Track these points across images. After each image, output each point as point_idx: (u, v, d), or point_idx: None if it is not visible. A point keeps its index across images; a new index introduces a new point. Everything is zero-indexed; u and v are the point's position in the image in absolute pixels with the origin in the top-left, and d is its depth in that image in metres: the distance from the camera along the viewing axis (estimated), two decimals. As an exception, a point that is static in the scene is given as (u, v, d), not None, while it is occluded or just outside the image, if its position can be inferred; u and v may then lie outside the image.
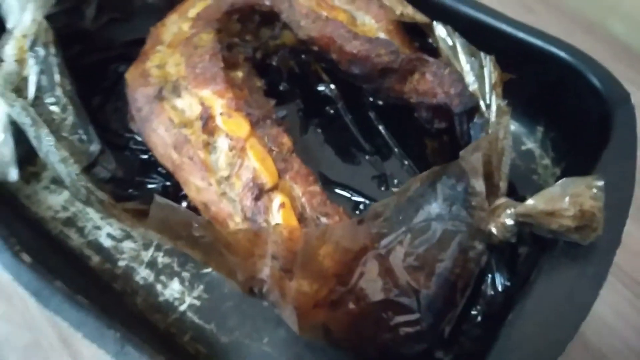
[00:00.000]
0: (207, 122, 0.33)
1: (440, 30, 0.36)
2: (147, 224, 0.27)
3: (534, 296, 0.26)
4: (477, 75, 0.34)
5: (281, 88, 0.44)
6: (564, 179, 0.27)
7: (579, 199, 0.25)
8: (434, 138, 0.41)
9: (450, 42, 0.36)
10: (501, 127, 0.29)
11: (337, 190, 0.39)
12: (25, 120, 0.31)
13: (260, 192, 0.31)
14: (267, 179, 0.31)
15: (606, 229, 0.26)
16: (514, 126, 0.42)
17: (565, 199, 0.25)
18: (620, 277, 0.38)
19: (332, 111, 0.43)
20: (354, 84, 0.42)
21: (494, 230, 0.28)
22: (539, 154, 0.41)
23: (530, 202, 0.28)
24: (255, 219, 0.30)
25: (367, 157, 0.40)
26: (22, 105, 0.31)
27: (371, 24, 0.40)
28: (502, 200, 0.29)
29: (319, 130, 0.42)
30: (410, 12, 0.37)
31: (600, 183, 0.26)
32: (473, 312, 0.31)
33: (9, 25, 0.34)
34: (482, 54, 0.35)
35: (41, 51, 0.36)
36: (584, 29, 0.53)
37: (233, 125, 0.32)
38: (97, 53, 0.43)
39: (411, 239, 0.26)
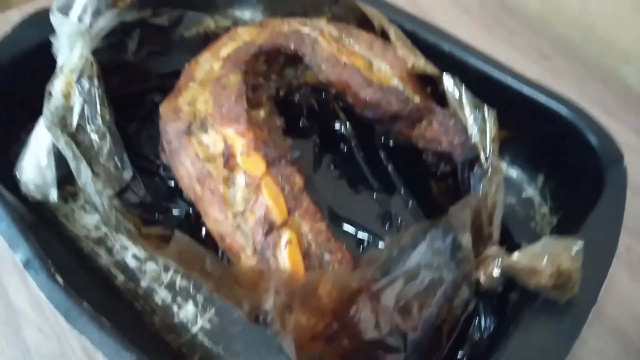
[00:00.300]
0: (228, 159, 0.36)
1: (448, 81, 0.39)
2: (167, 253, 0.30)
3: (510, 349, 0.28)
4: (480, 127, 0.37)
5: (300, 124, 0.47)
6: (547, 237, 0.29)
7: (557, 259, 0.28)
8: (439, 180, 0.44)
9: (457, 94, 0.39)
10: (493, 183, 0.32)
11: (344, 225, 0.41)
12: (68, 154, 0.35)
13: (270, 228, 0.34)
14: (277, 216, 0.34)
15: (584, 288, 0.28)
16: (516, 172, 0.44)
17: (544, 258, 0.27)
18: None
19: (345, 148, 0.46)
20: (367, 124, 0.45)
21: (482, 278, 0.31)
22: (539, 201, 0.43)
23: (515, 256, 0.30)
24: (264, 253, 0.34)
25: (374, 194, 0.43)
26: (65, 140, 0.35)
27: (387, 70, 0.43)
28: (492, 250, 0.32)
29: (332, 166, 0.45)
30: (422, 64, 0.40)
31: (580, 245, 0.28)
32: (458, 357, 0.34)
33: (60, 61, 0.39)
34: (486, 107, 0.37)
35: (86, 84, 0.40)
36: (598, 78, 0.55)
37: (251, 163, 0.36)
38: (136, 84, 0.47)
39: (401, 284, 0.29)
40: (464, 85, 0.38)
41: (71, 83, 0.38)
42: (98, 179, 0.37)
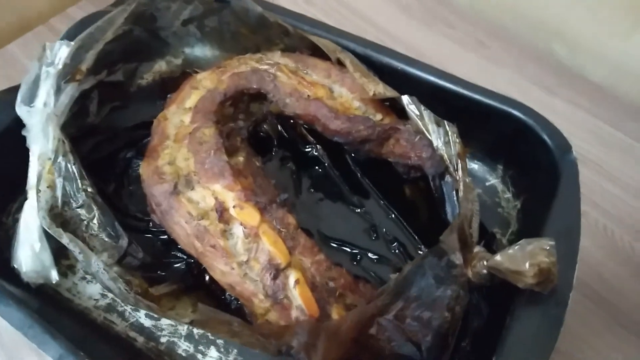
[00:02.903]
0: (222, 213, 0.38)
1: (407, 102, 0.42)
2: (195, 324, 0.33)
3: (510, 339, 0.32)
4: (444, 141, 0.41)
5: (273, 153, 0.50)
6: (522, 240, 0.33)
7: (536, 260, 0.32)
8: (412, 184, 0.47)
9: (417, 112, 0.42)
10: (469, 201, 0.36)
11: (335, 245, 0.45)
12: (75, 250, 0.36)
13: (277, 272, 0.37)
14: (281, 260, 0.37)
15: (560, 277, 0.33)
16: (477, 165, 0.49)
17: (526, 262, 0.32)
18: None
19: (320, 170, 0.49)
20: (336, 143, 0.48)
21: (471, 276, 0.35)
22: (501, 188, 0.47)
23: (498, 258, 0.34)
24: (277, 295, 0.36)
25: (357, 210, 0.46)
26: (69, 238, 0.36)
27: (347, 95, 0.46)
28: (477, 252, 0.36)
29: (312, 190, 0.48)
30: (382, 90, 0.43)
31: (552, 243, 0.33)
32: (463, 344, 0.38)
33: (35, 152, 0.39)
34: (446, 123, 0.41)
35: (62, 163, 0.40)
36: (533, 58, 0.60)
37: (245, 216, 0.38)
38: (105, 144, 0.48)
39: (409, 305, 0.33)
40: (422, 105, 0.41)
41: (52, 170, 0.38)
42: (99, 255, 0.39)
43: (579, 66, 0.59)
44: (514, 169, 0.46)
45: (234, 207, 0.38)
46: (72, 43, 0.39)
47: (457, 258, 0.33)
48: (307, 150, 0.49)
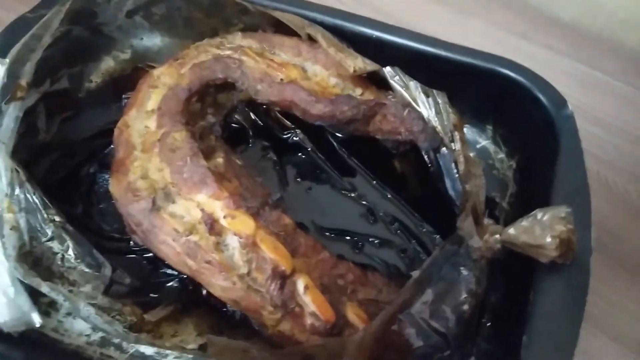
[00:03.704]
0: (212, 225, 0.35)
1: (390, 73, 0.39)
2: (207, 357, 0.30)
3: (537, 314, 0.31)
4: (435, 111, 0.38)
5: (250, 144, 0.46)
6: (536, 211, 0.32)
7: (556, 231, 0.31)
8: (401, 158, 0.45)
9: (402, 83, 0.39)
10: (476, 176, 0.34)
11: (333, 235, 0.42)
12: (58, 297, 0.32)
13: (283, 280, 0.34)
14: (285, 266, 0.34)
15: (578, 244, 0.32)
16: (465, 128, 0.46)
17: (546, 235, 0.30)
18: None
19: (304, 156, 0.46)
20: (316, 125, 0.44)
21: (484, 251, 0.34)
22: (493, 149, 0.46)
23: (511, 231, 0.33)
24: (287, 305, 0.34)
25: (349, 194, 0.44)
26: (50, 286, 0.32)
27: (322, 72, 0.43)
28: (490, 226, 0.34)
29: (299, 179, 0.45)
30: (361, 65, 0.39)
31: (568, 210, 0.31)
32: (483, 320, 0.37)
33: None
34: (435, 92, 0.38)
35: (21, 196, 0.36)
36: (503, 6, 0.57)
37: (239, 225, 0.35)
38: (63, 161, 0.43)
39: (432, 298, 0.31)
40: (407, 75, 0.38)
41: (11, 207, 0.34)
42: (83, 287, 0.35)
43: (548, 7, 0.57)
44: (505, 128, 0.45)
45: (224, 217, 0.35)
46: (6, 60, 0.34)
47: (476, 241, 0.31)
48: (286, 136, 0.46)
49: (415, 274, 0.31)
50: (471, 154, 0.35)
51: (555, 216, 0.31)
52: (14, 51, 0.35)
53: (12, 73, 0.35)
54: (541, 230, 0.31)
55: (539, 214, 0.32)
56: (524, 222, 0.32)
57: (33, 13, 0.40)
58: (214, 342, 0.29)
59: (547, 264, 0.32)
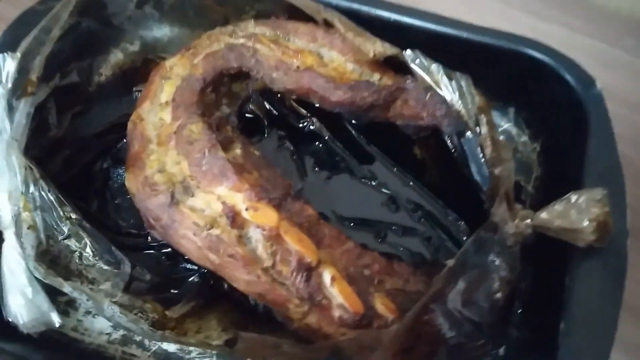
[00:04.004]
0: (233, 218, 0.34)
1: (411, 57, 0.38)
2: (236, 353, 0.29)
3: (574, 301, 0.30)
4: (459, 94, 0.37)
5: (266, 134, 0.45)
6: (570, 194, 0.31)
7: (592, 214, 0.30)
8: (421, 144, 0.44)
9: (424, 67, 0.38)
10: (507, 160, 0.33)
11: (355, 225, 0.41)
12: (81, 297, 0.31)
13: (309, 272, 0.33)
14: (310, 258, 0.33)
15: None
16: (488, 111, 0.45)
17: (583, 219, 0.29)
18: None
19: (321, 145, 0.45)
20: (332, 112, 0.43)
21: (516, 236, 0.33)
22: (516, 132, 0.45)
23: (544, 216, 0.32)
24: (315, 297, 0.33)
25: (370, 182, 0.43)
26: (73, 286, 0.31)
27: (339, 58, 0.41)
28: (521, 211, 0.33)
29: (317, 169, 0.44)
30: (381, 49, 0.38)
31: (604, 192, 0.30)
32: (513, 308, 0.36)
33: (4, 191, 0.33)
34: (458, 75, 0.37)
35: (35, 193, 0.35)
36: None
37: (262, 217, 0.34)
38: (76, 157, 0.42)
39: (465, 286, 0.30)
40: (427, 58, 0.37)
41: (27, 206, 0.33)
42: (103, 285, 0.35)
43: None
44: (528, 110, 0.43)
45: (246, 209, 0.34)
46: (17, 53, 0.33)
47: (510, 227, 0.30)
48: (302, 125, 0.45)
49: (451, 262, 0.30)
50: (502, 138, 0.34)
51: (591, 199, 0.30)
52: (24, 44, 0.34)
53: (23, 67, 0.34)
54: (577, 213, 0.30)
55: (573, 197, 0.31)
56: (557, 206, 0.32)
57: (41, 5, 0.39)
58: (244, 338, 0.29)
59: (583, 248, 0.31)
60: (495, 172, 0.33)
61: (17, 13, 0.42)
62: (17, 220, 0.32)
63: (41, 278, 0.31)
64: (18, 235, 0.32)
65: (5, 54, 0.33)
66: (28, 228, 0.32)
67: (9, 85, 0.32)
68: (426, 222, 0.41)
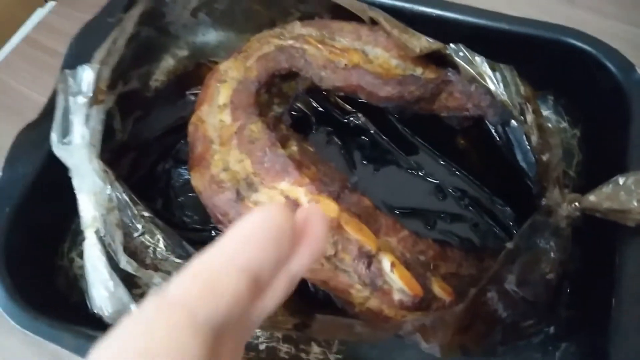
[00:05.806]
0: (297, 211, 0.37)
1: (455, 51, 0.40)
2: (313, 334, 0.32)
3: (624, 278, 0.32)
4: (503, 85, 0.39)
5: (314, 131, 0.47)
6: (617, 177, 0.32)
7: (641, 195, 0.31)
8: (464, 134, 0.46)
9: (468, 60, 0.40)
10: (556, 146, 0.34)
11: (404, 214, 0.43)
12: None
13: (369, 259, 0.35)
14: (370, 246, 0.36)
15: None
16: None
17: (632, 199, 0.31)
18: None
19: (367, 139, 0.47)
20: (376, 106, 0.45)
21: (567, 218, 0.34)
22: (555, 119, 0.46)
23: (592, 198, 0.34)
24: (375, 283, 0.35)
25: (417, 173, 0.45)
26: (163, 277, 0.34)
27: (383, 55, 0.43)
28: (568, 195, 0.35)
29: (365, 162, 0.46)
30: (426, 44, 0.40)
31: (651, 174, 0.32)
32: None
33: (83, 190, 0.36)
34: (502, 66, 0.38)
35: (112, 194, 0.38)
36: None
37: (323, 209, 0.36)
38: (141, 160, 0.45)
39: (521, 267, 0.32)
40: (471, 51, 0.39)
41: (110, 206, 0.36)
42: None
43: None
44: (567, 97, 0.45)
45: (308, 202, 0.37)
46: (96, 65, 0.36)
47: (564, 210, 0.32)
48: (348, 120, 0.47)
49: (510, 244, 0.32)
50: (549, 125, 0.36)
51: (638, 180, 0.32)
52: (98, 55, 0.37)
53: (96, 77, 0.37)
54: (627, 195, 0.32)
55: (620, 179, 0.33)
56: (605, 189, 0.33)
57: (102, 17, 0.42)
58: (318, 320, 0.31)
59: (632, 227, 0.33)
60: (543, 159, 0.35)
61: (69, 25, 0.45)
62: (105, 219, 0.34)
63: (133, 272, 0.34)
64: (108, 232, 0.34)
65: (85, 65, 0.35)
66: (116, 224, 0.35)
67: (90, 94, 0.35)
68: (473, 209, 0.43)
